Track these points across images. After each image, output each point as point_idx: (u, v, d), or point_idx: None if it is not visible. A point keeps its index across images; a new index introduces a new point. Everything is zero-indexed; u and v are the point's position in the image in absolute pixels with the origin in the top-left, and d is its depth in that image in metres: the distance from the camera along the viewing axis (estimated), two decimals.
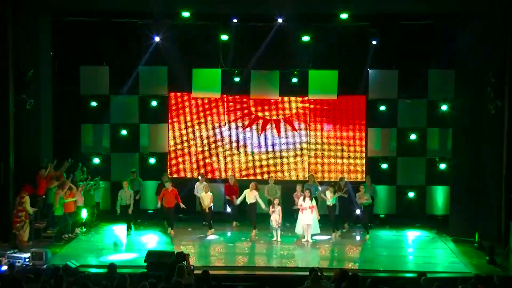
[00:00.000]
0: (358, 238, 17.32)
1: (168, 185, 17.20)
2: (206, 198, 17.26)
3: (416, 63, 18.47)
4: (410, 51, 18.28)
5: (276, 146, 19.22)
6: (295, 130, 19.11)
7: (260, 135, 19.14)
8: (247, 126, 19.16)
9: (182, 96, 19.26)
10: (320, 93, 18.95)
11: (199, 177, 18.11)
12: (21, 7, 16.29)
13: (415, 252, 16.37)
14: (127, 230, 17.42)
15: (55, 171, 17.03)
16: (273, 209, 16.56)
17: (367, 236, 17.02)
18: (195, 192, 17.93)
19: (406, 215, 18.86)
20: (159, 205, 17.39)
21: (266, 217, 16.99)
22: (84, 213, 17.30)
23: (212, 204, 17.33)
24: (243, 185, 17.86)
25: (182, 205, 17.25)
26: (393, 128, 19.01)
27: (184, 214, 18.48)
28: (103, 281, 10.30)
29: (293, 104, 19.16)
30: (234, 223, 18.16)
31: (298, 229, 16.70)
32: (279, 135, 19.14)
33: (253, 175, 19.02)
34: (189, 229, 17.75)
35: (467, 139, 16.78)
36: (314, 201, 16.63)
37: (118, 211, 17.39)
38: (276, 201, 16.70)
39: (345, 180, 18.15)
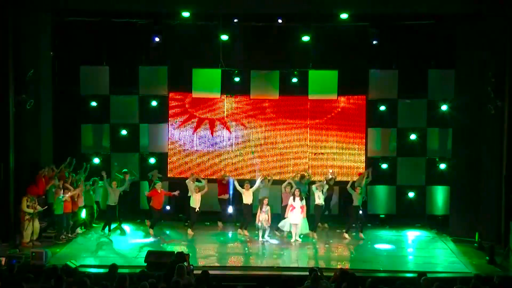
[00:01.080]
0: (357, 238, 17.26)
1: (159, 186, 17.18)
2: (197, 198, 17.22)
3: (416, 63, 18.48)
4: (410, 51, 18.31)
5: (276, 146, 19.23)
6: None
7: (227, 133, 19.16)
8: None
9: (182, 96, 19.27)
10: (320, 93, 18.95)
11: (191, 177, 18.08)
12: (21, 7, 16.28)
13: (415, 252, 16.37)
14: (106, 230, 17.24)
15: (53, 171, 16.99)
16: (263, 210, 16.55)
17: (346, 236, 16.96)
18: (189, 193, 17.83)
19: (406, 215, 18.85)
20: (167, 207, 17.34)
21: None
22: (83, 213, 17.29)
23: (199, 205, 17.24)
24: (241, 185, 17.72)
25: (175, 193, 17.34)
26: (393, 128, 19.01)
27: (183, 214, 18.49)
28: (103, 281, 10.30)
29: (294, 103, 19.21)
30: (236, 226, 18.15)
31: (282, 225, 16.74)
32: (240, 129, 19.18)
33: (253, 175, 19.02)
34: (189, 229, 17.72)
35: (467, 139, 16.78)
36: (304, 201, 16.63)
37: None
38: (266, 201, 16.68)
39: (334, 180, 18.12)
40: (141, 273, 11.13)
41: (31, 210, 15.48)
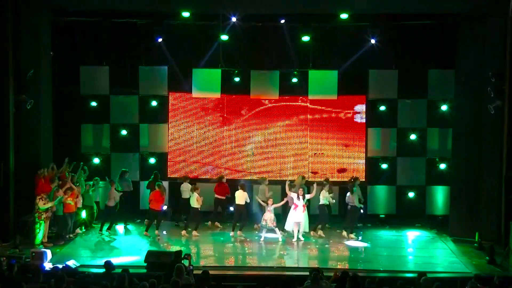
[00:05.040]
0: (359, 238, 17.25)
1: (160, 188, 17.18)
2: (197, 199, 17.11)
3: (416, 63, 18.48)
4: (410, 51, 18.32)
5: (276, 146, 19.23)
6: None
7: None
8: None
9: (182, 96, 19.27)
10: (320, 93, 18.96)
11: (184, 179, 18.02)
12: (21, 7, 16.29)
13: (415, 252, 16.37)
14: (108, 229, 17.20)
15: (52, 171, 16.97)
16: (268, 209, 16.55)
17: (352, 235, 16.94)
18: (183, 195, 17.74)
19: (406, 215, 18.85)
20: (164, 207, 17.17)
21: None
22: (83, 213, 17.29)
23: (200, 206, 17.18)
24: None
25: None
26: (393, 128, 19.01)
27: (184, 214, 18.48)
28: (103, 281, 10.31)
29: (294, 104, 19.20)
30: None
31: (288, 226, 16.76)
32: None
33: (253, 175, 19.05)
34: (189, 229, 17.72)
35: (467, 139, 16.77)
36: (306, 200, 16.68)
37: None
38: (270, 202, 16.68)
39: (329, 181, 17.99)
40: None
41: (49, 205, 15.47)
